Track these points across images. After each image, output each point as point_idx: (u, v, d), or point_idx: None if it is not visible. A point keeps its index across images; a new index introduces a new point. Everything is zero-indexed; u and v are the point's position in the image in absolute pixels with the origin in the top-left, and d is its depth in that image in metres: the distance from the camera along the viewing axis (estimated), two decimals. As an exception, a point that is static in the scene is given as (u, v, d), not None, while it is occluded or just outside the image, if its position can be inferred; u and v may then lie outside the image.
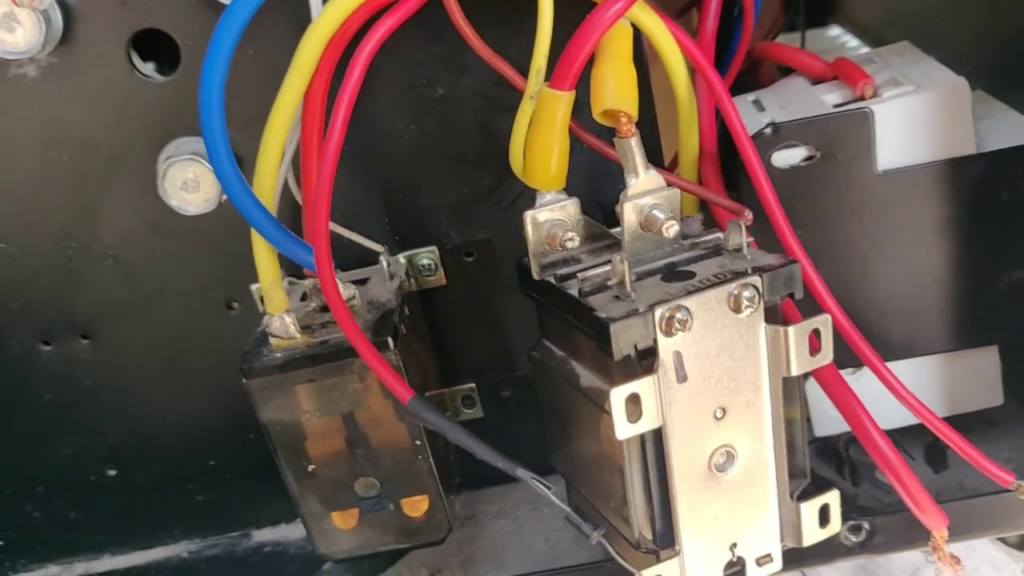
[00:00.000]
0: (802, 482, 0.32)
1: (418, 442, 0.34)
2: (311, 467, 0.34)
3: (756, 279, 0.28)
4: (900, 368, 0.36)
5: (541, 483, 0.28)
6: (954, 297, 0.35)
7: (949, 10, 0.32)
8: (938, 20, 0.41)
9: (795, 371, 0.29)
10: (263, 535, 0.44)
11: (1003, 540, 0.45)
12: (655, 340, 0.28)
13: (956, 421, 0.39)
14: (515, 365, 0.40)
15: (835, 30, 0.53)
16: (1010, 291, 0.34)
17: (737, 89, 0.41)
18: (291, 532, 0.43)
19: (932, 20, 0.42)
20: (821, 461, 0.39)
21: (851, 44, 0.51)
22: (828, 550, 0.35)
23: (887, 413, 0.35)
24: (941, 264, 0.34)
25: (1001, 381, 0.37)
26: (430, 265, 0.38)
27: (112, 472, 0.43)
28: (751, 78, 0.42)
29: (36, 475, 0.43)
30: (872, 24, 0.49)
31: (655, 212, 0.30)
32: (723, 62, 0.40)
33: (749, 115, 0.36)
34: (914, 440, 0.39)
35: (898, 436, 0.39)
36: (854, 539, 0.35)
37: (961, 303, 0.35)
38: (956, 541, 0.35)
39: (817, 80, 0.36)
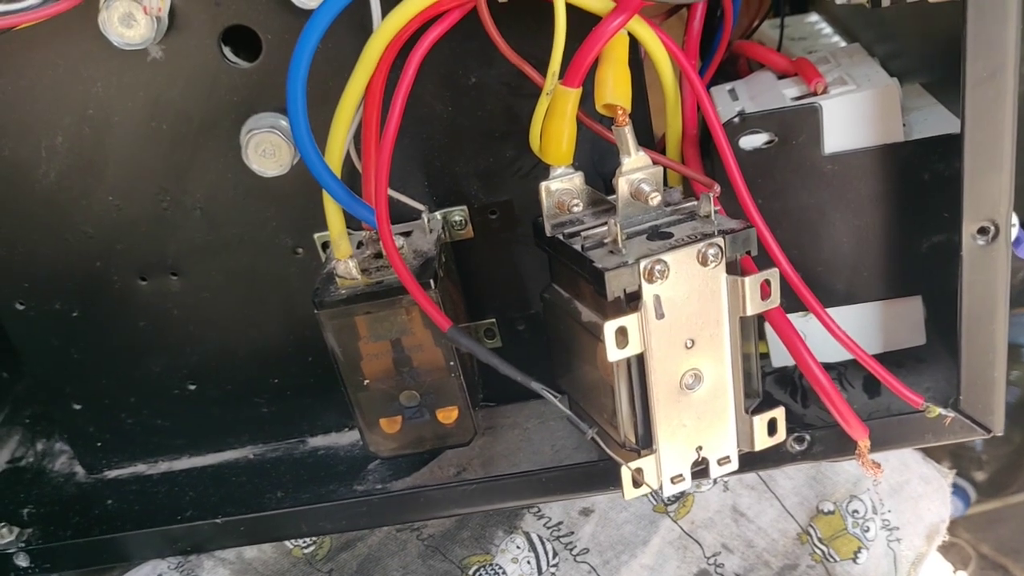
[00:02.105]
0: (755, 400, 0.40)
1: (451, 363, 0.42)
2: (365, 381, 0.42)
3: (720, 240, 0.36)
4: (844, 312, 0.44)
5: (551, 392, 0.36)
6: (886, 255, 0.42)
7: (901, 12, 0.39)
8: (892, 19, 0.48)
9: (749, 312, 0.37)
10: (317, 441, 0.51)
11: (934, 459, 0.54)
12: (640, 286, 0.36)
13: (891, 356, 0.47)
14: (529, 304, 0.47)
15: (813, 16, 0.60)
16: (930, 252, 0.42)
17: (721, 76, 0.49)
18: (341, 439, 0.50)
19: (887, 18, 0.49)
20: (778, 387, 0.47)
21: (825, 31, 0.58)
22: (777, 456, 0.43)
23: (832, 350, 0.42)
24: (876, 229, 0.42)
25: (924, 325, 0.45)
26: (461, 221, 0.45)
27: (192, 387, 0.50)
28: (733, 67, 0.49)
29: (130, 388, 0.50)
30: (843, 13, 0.56)
31: (643, 185, 0.38)
32: (708, 53, 0.48)
33: (725, 103, 0.43)
34: (855, 373, 0.46)
35: (843, 368, 0.47)
36: (798, 447, 0.43)
37: (892, 260, 0.42)
38: (879, 451, 0.42)
39: (783, 75, 0.43)
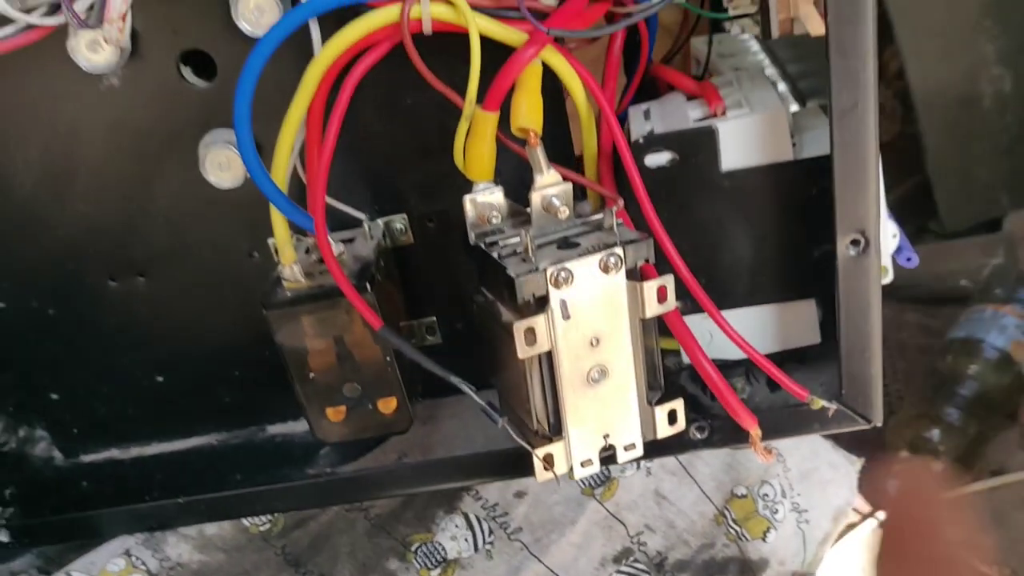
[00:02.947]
0: (658, 393, 0.44)
1: (388, 358, 0.46)
2: (311, 375, 0.46)
3: (619, 250, 0.40)
4: (745, 313, 0.49)
5: (466, 385, 0.41)
6: (781, 262, 0.46)
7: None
8: (802, 42, 0.53)
9: (648, 314, 0.41)
10: (275, 429, 0.55)
11: (841, 446, 0.58)
12: (547, 290, 0.40)
13: (795, 354, 0.51)
14: (466, 304, 0.52)
15: (745, 34, 0.64)
16: (821, 258, 0.46)
17: (645, 94, 0.53)
18: (297, 427, 0.54)
19: (798, 41, 0.53)
20: (691, 382, 0.51)
21: (754, 49, 0.62)
22: (680, 443, 0.47)
23: (736, 348, 0.47)
24: (771, 238, 0.46)
25: (818, 325, 0.49)
26: (402, 228, 0.50)
27: (160, 379, 0.54)
28: (654, 86, 0.53)
29: (102, 380, 0.54)
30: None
31: (553, 200, 0.42)
32: (631, 72, 0.52)
33: (639, 122, 0.47)
34: (760, 369, 0.51)
35: (750, 365, 0.52)
36: (699, 435, 0.48)
37: (786, 266, 0.46)
38: (775, 439, 0.47)
39: (691, 96, 0.48)
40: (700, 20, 0.58)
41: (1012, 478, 0.82)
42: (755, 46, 0.63)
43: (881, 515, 0.71)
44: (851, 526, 0.56)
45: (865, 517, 0.70)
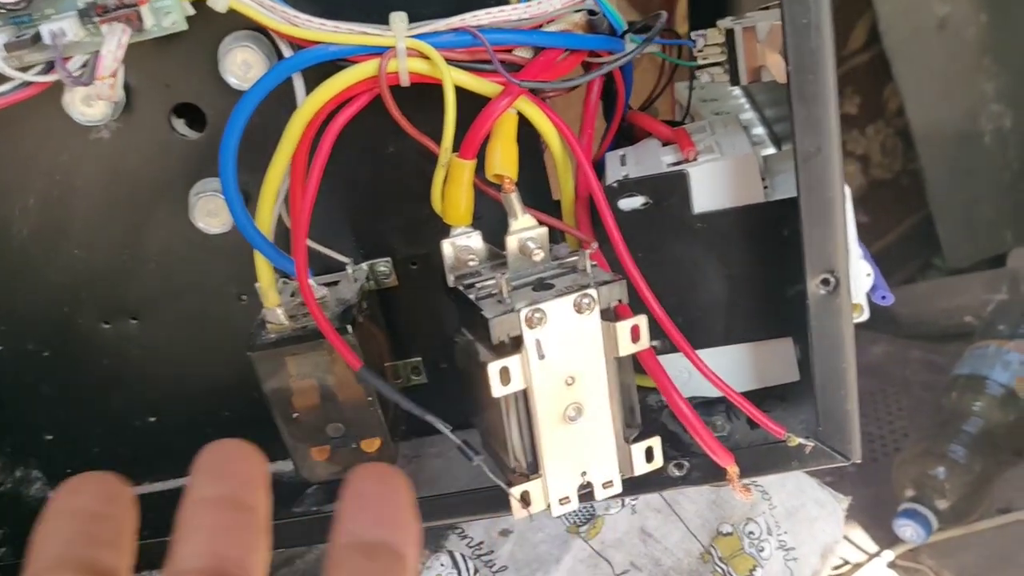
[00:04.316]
0: (636, 431, 0.45)
1: (370, 399, 0.47)
2: (295, 415, 0.47)
3: (593, 291, 0.41)
4: (722, 352, 0.50)
5: (442, 424, 0.42)
6: (756, 300, 0.47)
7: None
8: (776, 86, 0.54)
9: (622, 353, 0.42)
10: None
11: (828, 484, 0.59)
12: (522, 331, 0.41)
13: (776, 391, 0.52)
14: (450, 344, 0.53)
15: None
16: (795, 297, 0.47)
17: (625, 139, 0.54)
18: (283, 467, 0.53)
19: (773, 85, 0.55)
20: (672, 420, 0.52)
21: (735, 93, 0.64)
22: (659, 480, 0.48)
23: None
24: (745, 277, 0.47)
25: (796, 363, 0.50)
26: (386, 271, 0.51)
27: (152, 419, 0.55)
28: (631, 132, 0.55)
29: (95, 420, 0.55)
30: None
31: (528, 243, 0.43)
32: (609, 117, 0.53)
33: (615, 167, 0.48)
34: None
35: (729, 403, 0.53)
36: (677, 473, 0.48)
37: (762, 305, 0.47)
38: (753, 476, 0.48)
39: (667, 142, 0.49)
40: (679, 67, 0.59)
41: (1019, 516, 0.82)
42: (736, 91, 0.64)
43: (889, 554, 0.71)
44: (857, 566, 0.55)
45: (871, 557, 0.70)
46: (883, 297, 0.48)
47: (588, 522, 0.56)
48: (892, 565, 0.71)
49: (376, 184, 0.49)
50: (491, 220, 0.46)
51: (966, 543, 0.80)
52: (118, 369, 0.54)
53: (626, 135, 0.54)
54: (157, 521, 0.55)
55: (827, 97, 0.39)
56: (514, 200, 0.43)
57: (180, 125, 0.48)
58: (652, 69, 0.61)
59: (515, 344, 0.41)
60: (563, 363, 0.42)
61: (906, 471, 0.81)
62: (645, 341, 0.43)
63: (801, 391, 0.51)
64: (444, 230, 0.49)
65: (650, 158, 0.48)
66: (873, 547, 0.73)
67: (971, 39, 1.19)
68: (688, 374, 0.49)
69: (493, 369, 0.40)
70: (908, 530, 0.73)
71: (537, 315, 0.41)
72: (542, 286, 0.43)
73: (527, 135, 0.45)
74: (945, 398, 0.92)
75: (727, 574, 0.55)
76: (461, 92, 0.42)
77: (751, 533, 0.55)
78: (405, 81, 0.42)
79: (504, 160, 0.42)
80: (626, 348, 0.42)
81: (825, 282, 0.43)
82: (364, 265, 0.50)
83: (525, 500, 0.43)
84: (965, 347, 0.95)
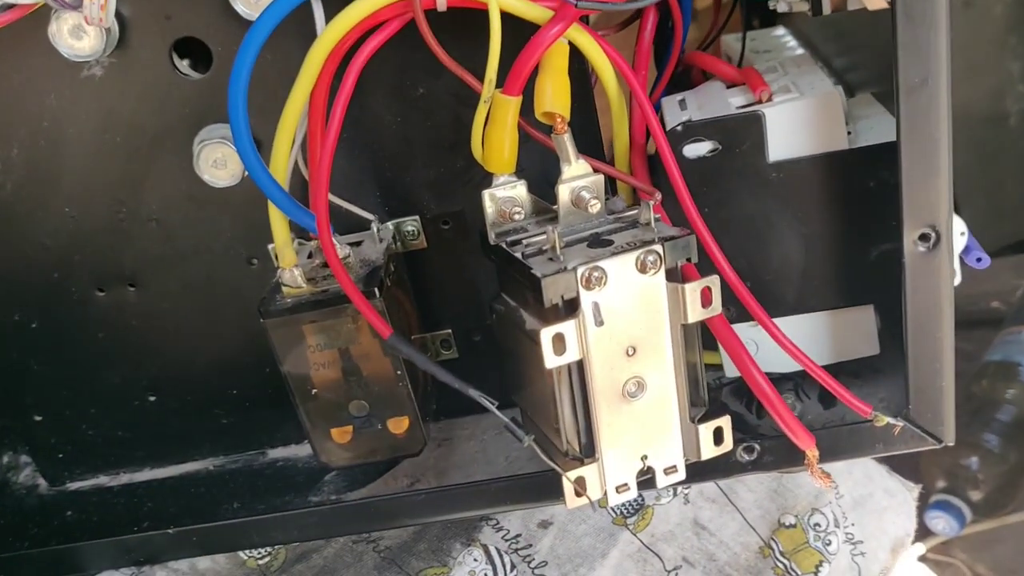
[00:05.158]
0: (702, 409, 0.40)
1: (399, 372, 0.42)
2: (314, 391, 0.42)
3: (658, 247, 0.36)
4: (795, 322, 0.44)
5: (487, 399, 0.36)
6: (836, 264, 0.42)
7: (857, 23, 0.39)
8: (849, 30, 0.49)
9: (690, 319, 0.37)
10: (276, 453, 0.51)
11: (898, 472, 0.53)
12: (578, 292, 0.36)
13: (848, 366, 0.46)
14: (485, 315, 0.48)
15: (780, 30, 0.60)
16: (880, 260, 0.42)
17: (677, 87, 0.49)
18: (300, 451, 0.51)
19: (845, 30, 0.49)
20: (734, 398, 0.47)
21: (791, 44, 0.58)
22: (727, 465, 0.43)
23: (788, 360, 0.42)
24: (824, 237, 0.42)
25: (877, 334, 0.45)
26: (414, 231, 0.46)
27: (152, 398, 0.50)
28: (687, 77, 0.49)
29: (90, 399, 0.51)
30: (807, 27, 0.56)
31: (583, 193, 0.38)
32: (662, 63, 0.48)
33: (674, 113, 0.43)
34: (812, 383, 0.46)
35: (799, 379, 0.47)
36: (747, 457, 0.43)
37: (842, 269, 0.42)
38: (831, 461, 0.42)
39: (732, 84, 0.44)
40: (734, 13, 0.54)
41: (1056, 507, 0.77)
42: (792, 41, 0.58)
43: (921, 548, 0.66)
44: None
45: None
46: (978, 259, 0.42)
47: (636, 512, 0.50)
48: (924, 559, 0.68)
49: (403, 131, 0.43)
50: (533, 172, 0.40)
51: (1001, 536, 0.76)
52: (115, 342, 0.49)
53: (680, 83, 0.49)
54: (157, 512, 0.51)
55: (938, 17, 0.33)
56: (567, 142, 0.37)
57: (182, 64, 0.42)
58: (702, 18, 0.55)
59: (569, 308, 0.36)
60: (623, 330, 0.37)
61: (938, 462, 0.77)
62: (717, 305, 0.37)
63: (879, 367, 0.46)
64: (480, 185, 0.44)
65: (715, 101, 0.42)
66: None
67: (998, 16, 1.14)
68: (755, 347, 0.43)
69: (546, 336, 0.35)
70: (940, 522, 0.70)
71: (596, 274, 0.35)
72: (598, 242, 0.37)
73: (572, 73, 0.39)
74: (976, 386, 0.88)
75: (790, 571, 0.49)
76: (506, 18, 0.36)
77: (817, 525, 0.50)
78: (442, 5, 0.36)
79: (556, 96, 0.37)
80: (695, 313, 0.37)
81: (924, 237, 0.37)
82: (390, 224, 0.45)
83: (580, 487, 0.37)
84: (993, 333, 0.92)
